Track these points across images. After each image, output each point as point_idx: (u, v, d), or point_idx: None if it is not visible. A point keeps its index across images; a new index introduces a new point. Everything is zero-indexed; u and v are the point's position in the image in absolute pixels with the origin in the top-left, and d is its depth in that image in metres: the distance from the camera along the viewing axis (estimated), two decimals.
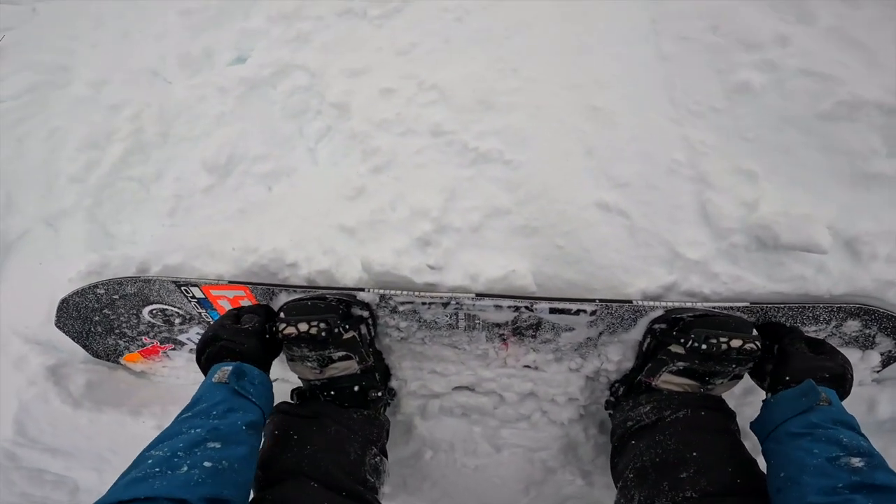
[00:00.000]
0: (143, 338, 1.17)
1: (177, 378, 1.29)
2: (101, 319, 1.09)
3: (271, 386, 0.74)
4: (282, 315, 0.83)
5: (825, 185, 0.87)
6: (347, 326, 0.83)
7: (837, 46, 0.97)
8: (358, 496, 0.72)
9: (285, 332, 0.80)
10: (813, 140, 0.90)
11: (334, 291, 0.88)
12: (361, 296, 0.87)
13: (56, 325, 1.10)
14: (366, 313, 0.88)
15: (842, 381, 0.68)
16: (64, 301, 1.04)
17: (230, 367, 0.68)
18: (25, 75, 1.29)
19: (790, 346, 0.73)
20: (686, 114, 0.97)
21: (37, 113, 1.25)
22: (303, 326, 0.78)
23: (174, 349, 1.21)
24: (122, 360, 1.25)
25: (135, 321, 1.11)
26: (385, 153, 0.99)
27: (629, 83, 1.00)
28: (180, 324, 1.10)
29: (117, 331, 1.14)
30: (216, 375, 0.67)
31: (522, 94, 0.97)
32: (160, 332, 1.14)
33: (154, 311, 1.08)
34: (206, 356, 0.73)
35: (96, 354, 1.21)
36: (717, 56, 0.99)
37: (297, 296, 0.90)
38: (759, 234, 0.82)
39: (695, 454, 0.69)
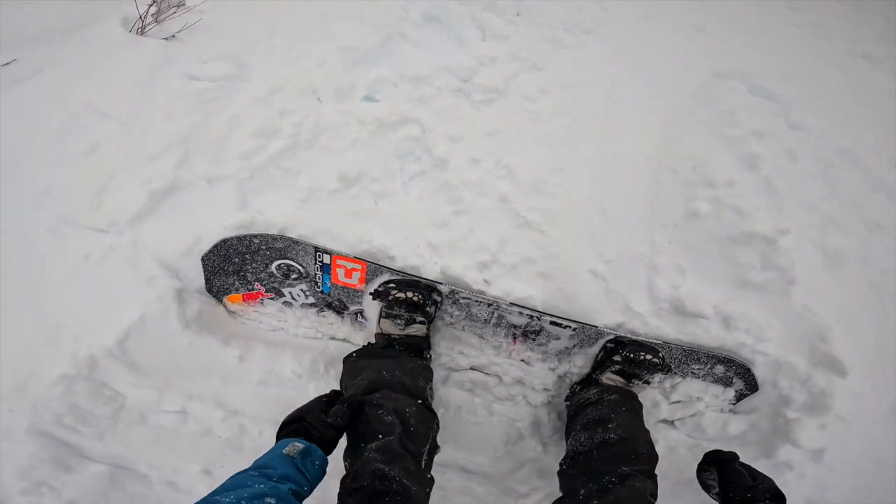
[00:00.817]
0: (256, 283, 1.82)
1: (258, 323, 1.90)
2: (238, 262, 1.74)
3: (327, 465, 0.98)
4: (393, 284, 1.55)
5: (721, 281, 1.70)
6: (430, 303, 1.57)
7: (762, 191, 1.84)
8: (429, 406, 1.38)
9: (396, 295, 1.51)
10: (722, 252, 1.74)
11: (423, 279, 1.62)
12: (440, 287, 1.61)
13: (203, 257, 1.73)
14: (439, 298, 1.62)
15: (782, 497, 1.09)
16: (224, 241, 1.67)
17: (301, 446, 0.90)
18: (219, 64, 1.97)
19: (733, 471, 1.18)
20: (658, 224, 1.81)
21: (223, 97, 1.91)
22: (409, 294, 1.51)
23: (272, 298, 1.85)
24: (224, 299, 1.86)
25: (261, 269, 1.77)
26: (466, 203, 1.77)
27: (629, 196, 1.84)
28: (294, 279, 1.77)
29: (240, 273, 1.77)
30: (287, 448, 0.89)
31: (562, 188, 1.79)
32: (272, 282, 1.80)
33: (281, 265, 1.75)
34: (288, 430, 1.00)
35: (210, 289, 1.82)
36: (687, 188, 1.85)
37: (397, 277, 1.62)
38: (676, 304, 1.64)
39: (617, 417, 1.44)
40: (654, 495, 1.23)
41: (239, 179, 1.84)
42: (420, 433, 1.20)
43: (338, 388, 1.54)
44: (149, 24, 2.13)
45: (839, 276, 1.75)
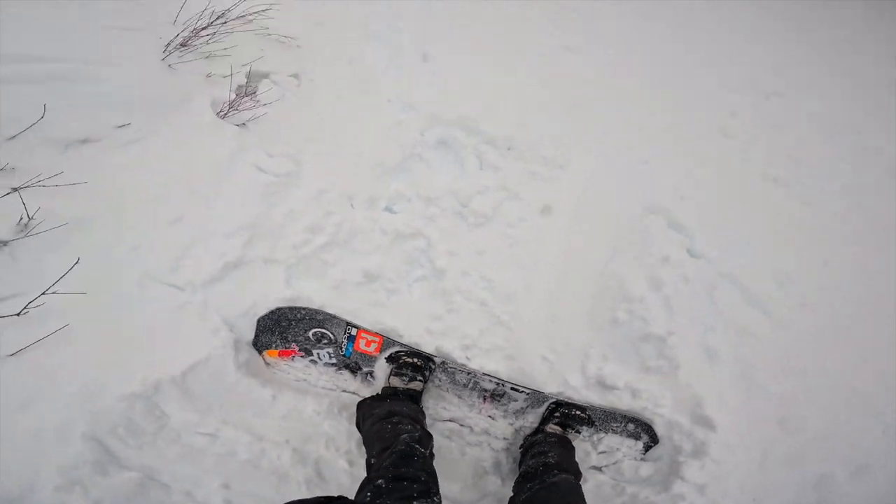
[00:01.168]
0: (293, 343, 2.57)
1: (287, 374, 2.60)
2: (284, 325, 2.50)
3: None
4: (403, 352, 2.35)
5: (631, 365, 2.57)
6: (427, 369, 2.38)
7: (661, 306, 2.78)
8: (429, 434, 2.14)
9: (405, 359, 2.31)
10: (632, 346, 2.61)
11: (424, 352, 2.44)
12: (436, 358, 2.43)
13: (259, 318, 2.45)
14: (433, 366, 2.44)
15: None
16: (279, 308, 2.43)
17: None
18: (282, 161, 2.78)
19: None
20: (592, 326, 2.71)
21: (283, 192, 2.69)
22: (414, 359, 2.32)
23: (301, 356, 2.56)
24: (264, 353, 2.55)
25: (300, 333, 2.51)
26: (456, 305, 2.61)
27: (573, 306, 2.74)
28: (325, 343, 2.53)
29: (283, 334, 2.51)
30: None
31: (527, 299, 2.68)
32: (306, 344, 2.55)
33: (316, 332, 2.51)
34: None
35: (255, 344, 2.50)
36: (614, 301, 2.76)
37: (406, 349, 2.43)
38: (600, 380, 2.49)
39: (555, 450, 2.21)
40: (580, 488, 1.95)
41: (288, 264, 2.59)
42: (426, 440, 1.85)
43: (353, 428, 2.28)
44: (227, 111, 2.88)
45: (714, 366, 2.67)
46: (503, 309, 2.67)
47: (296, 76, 3.32)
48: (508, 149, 3.28)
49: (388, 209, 2.89)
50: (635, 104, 3.97)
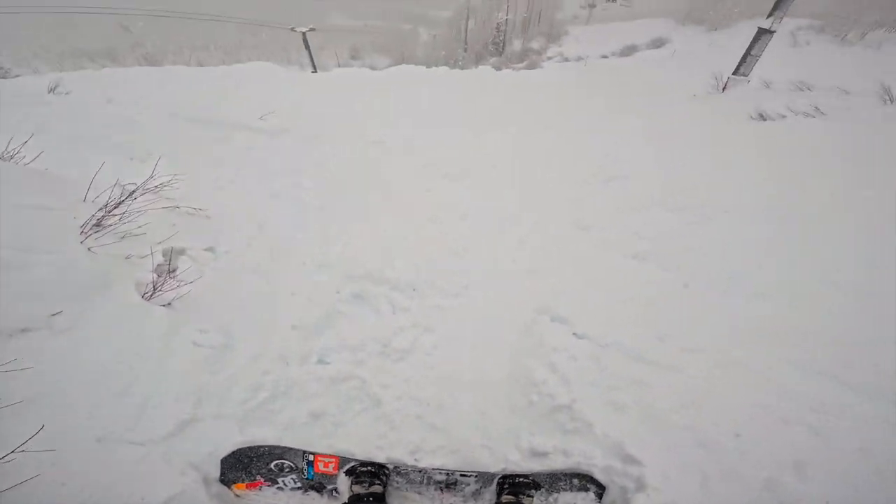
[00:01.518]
0: (257, 476, 2.87)
1: (258, 503, 2.92)
2: (246, 461, 2.86)
3: None
4: (358, 464, 2.82)
5: (553, 433, 3.28)
6: (382, 474, 2.79)
7: (560, 383, 3.59)
8: None
9: (361, 469, 2.81)
10: (550, 418, 3.37)
11: (376, 462, 2.89)
12: (388, 466, 2.88)
13: (222, 459, 2.84)
14: (388, 472, 2.89)
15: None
16: (239, 449, 2.86)
17: None
18: (215, 335, 3.47)
19: None
20: (514, 412, 3.46)
21: (221, 360, 3.36)
22: (369, 468, 2.83)
23: (268, 486, 2.94)
24: (233, 487, 2.91)
25: (262, 466, 2.91)
26: (396, 424, 3.30)
27: (495, 399, 3.54)
28: (287, 471, 2.90)
29: (247, 469, 2.90)
30: None
31: (454, 408, 3.50)
32: (269, 475, 2.88)
33: (278, 463, 2.90)
34: None
35: (222, 479, 2.88)
36: (525, 388, 3.60)
37: (360, 460, 2.86)
38: (533, 451, 3.17)
39: None
40: None
41: (237, 417, 3.18)
42: None
43: None
44: (153, 292, 3.46)
45: (622, 415, 3.45)
46: (437, 417, 3.38)
47: (211, 250, 4.17)
48: (413, 290, 4.34)
49: (321, 361, 3.66)
50: (504, 227, 5.49)
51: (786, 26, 30.95)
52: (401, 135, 7.80)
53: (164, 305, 3.45)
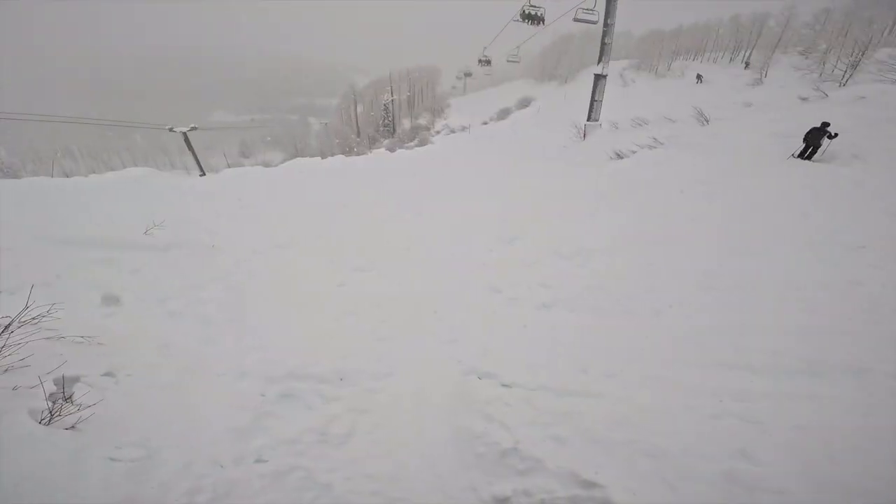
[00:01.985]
0: None
1: None
2: None
3: None
4: None
5: (514, 476, 3.29)
6: None
7: (499, 429, 3.66)
8: None
9: None
10: (505, 464, 3.42)
11: None
12: None
13: None
14: None
15: None
16: None
17: None
18: (133, 449, 3.20)
19: None
20: (466, 465, 3.50)
21: (145, 471, 3.07)
22: None
23: None
24: None
25: None
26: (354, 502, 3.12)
27: (444, 458, 3.52)
28: None
29: None
30: None
31: (409, 472, 3.47)
32: None
33: None
34: None
35: None
36: (469, 442, 3.61)
37: None
38: (497, 498, 3.18)
39: None
40: None
41: None
42: None
43: None
44: (50, 418, 3.18)
45: (564, 446, 3.72)
46: (394, 489, 3.39)
47: (110, 374, 3.93)
48: (341, 379, 4.40)
49: (259, 460, 3.51)
50: (421, 305, 5.72)
51: (614, 69, 37.45)
52: (305, 232, 7.95)
53: (67, 429, 3.21)
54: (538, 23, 16.97)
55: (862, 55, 26.79)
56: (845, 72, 27.02)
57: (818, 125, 9.51)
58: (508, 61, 23.86)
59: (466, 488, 3.39)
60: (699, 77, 38.27)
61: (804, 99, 16.44)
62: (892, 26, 39.54)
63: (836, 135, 9.32)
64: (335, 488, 3.33)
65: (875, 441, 3.34)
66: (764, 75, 33.41)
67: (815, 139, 9.43)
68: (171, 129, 19.19)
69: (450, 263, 6.88)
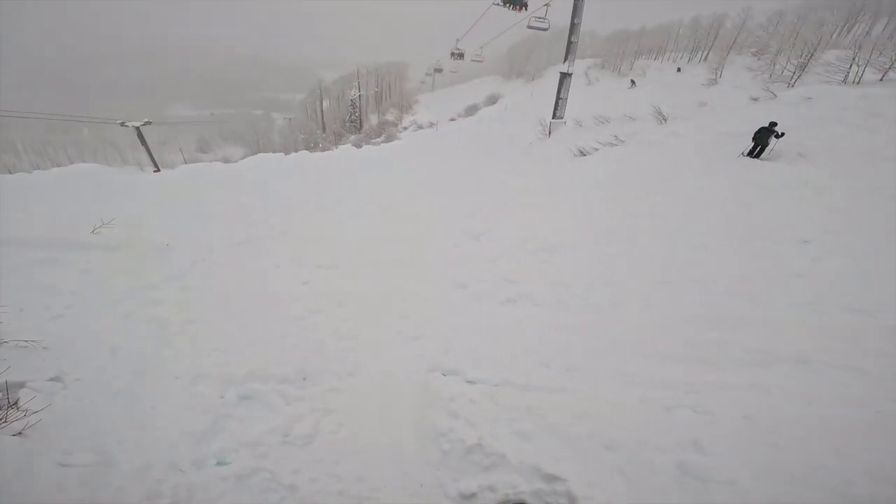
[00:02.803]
0: None
1: None
2: None
3: None
4: None
5: (478, 472, 3.33)
6: None
7: (463, 424, 3.71)
8: None
9: None
10: (470, 461, 3.47)
11: None
12: None
13: None
14: None
15: None
16: None
17: None
18: (86, 454, 3.07)
19: None
20: (431, 463, 3.48)
21: (99, 477, 2.95)
22: None
23: None
24: None
25: None
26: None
27: (409, 455, 3.55)
28: None
29: None
30: None
31: (375, 470, 3.47)
32: None
33: None
34: None
35: None
36: (435, 440, 3.62)
37: None
38: (463, 494, 3.24)
39: None
40: None
41: None
42: None
43: None
44: None
45: (528, 441, 3.76)
46: (359, 488, 3.38)
47: (57, 379, 3.79)
48: (304, 379, 4.34)
49: (220, 463, 3.44)
50: (387, 301, 5.71)
51: (579, 67, 38.36)
52: (265, 230, 7.81)
53: (14, 435, 3.09)
54: (521, 7, 16.46)
55: (811, 57, 27.88)
56: (794, 73, 28.11)
57: (766, 125, 9.96)
58: (472, 61, 23.80)
59: (433, 485, 3.42)
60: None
61: (755, 99, 17.08)
62: (841, 28, 42.08)
63: (783, 134, 9.77)
64: (300, 489, 3.30)
65: (818, 430, 3.50)
66: (719, 76, 34.78)
67: (763, 138, 9.88)
68: (122, 124, 18.31)
69: (415, 259, 6.92)
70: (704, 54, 45.90)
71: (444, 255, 7.02)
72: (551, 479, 3.40)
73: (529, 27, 15.58)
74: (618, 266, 6.26)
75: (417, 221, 8.39)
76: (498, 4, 16.55)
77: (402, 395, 4.29)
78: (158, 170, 16.54)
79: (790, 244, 6.36)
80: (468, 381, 4.40)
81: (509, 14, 16.64)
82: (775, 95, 15.83)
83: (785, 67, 29.92)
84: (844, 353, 4.23)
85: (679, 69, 41.41)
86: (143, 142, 18.74)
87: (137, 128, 18.40)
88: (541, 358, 4.68)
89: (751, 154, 10.10)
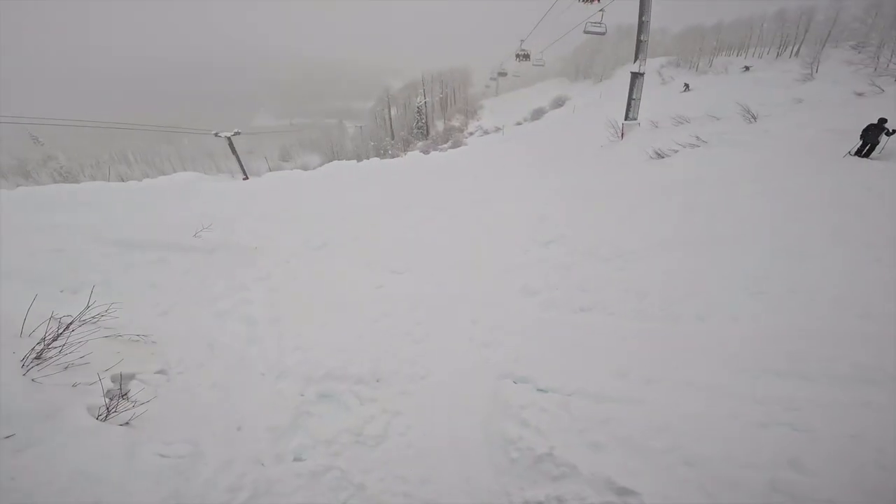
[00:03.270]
0: None
1: None
2: None
3: None
4: None
5: (546, 482, 3.23)
6: None
7: (534, 434, 3.64)
8: None
9: None
10: (538, 470, 3.36)
11: None
12: None
13: None
14: None
15: None
16: None
17: None
18: (181, 446, 3.38)
19: None
20: (499, 471, 3.47)
21: (191, 468, 3.26)
22: None
23: None
24: None
25: None
26: (386, 502, 3.18)
27: (477, 463, 3.52)
28: None
29: None
30: None
31: (440, 474, 3.52)
32: None
33: None
34: None
35: None
36: (504, 445, 3.60)
37: None
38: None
39: None
40: None
41: None
42: None
43: None
44: (107, 414, 3.38)
45: (601, 452, 3.65)
46: (425, 491, 3.48)
47: (163, 372, 4.15)
48: (377, 381, 4.51)
49: (297, 459, 3.66)
50: (456, 307, 5.73)
51: (651, 66, 36.29)
52: (340, 235, 8.13)
53: (121, 425, 3.40)
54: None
55: None
56: None
57: (875, 121, 8.86)
58: (534, 65, 22.90)
59: (499, 493, 3.43)
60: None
61: (860, 94, 15.33)
62: None
63: (894, 131, 8.67)
64: (368, 488, 3.45)
65: None
66: (815, 70, 31.59)
67: (873, 136, 8.79)
68: (216, 134, 20.02)
69: (485, 265, 6.91)
70: (795, 48, 41.83)
71: (514, 261, 6.93)
72: (624, 492, 3.28)
73: (586, 32, 15.02)
74: (702, 275, 5.80)
75: (486, 227, 8.35)
76: None
77: (471, 400, 4.32)
78: (247, 177, 17.88)
79: None
80: (539, 390, 4.33)
81: (573, 11, 15.91)
82: (883, 90, 14.18)
83: (890, 61, 26.59)
84: None
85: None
86: (234, 151, 20.39)
87: (229, 138, 20.09)
88: (617, 368, 4.49)
89: (859, 153, 8.96)
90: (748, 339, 4.58)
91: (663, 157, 10.94)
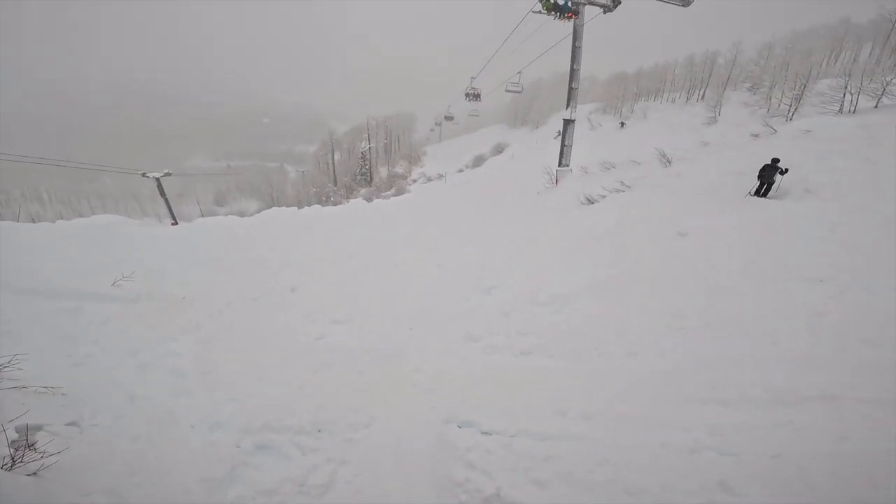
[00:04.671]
0: None
1: None
2: None
3: None
4: None
5: None
6: None
7: (481, 475, 3.65)
8: None
9: None
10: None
11: None
12: None
13: None
14: None
15: None
16: None
17: None
18: (103, 496, 3.10)
19: None
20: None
21: None
22: None
23: None
24: None
25: None
26: None
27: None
28: None
29: None
30: None
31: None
32: None
33: None
34: None
35: None
36: (454, 490, 3.56)
37: None
38: None
39: None
40: None
41: None
42: None
43: None
44: (12, 464, 3.11)
45: (545, 489, 3.69)
46: None
47: (75, 424, 3.88)
48: (319, 431, 4.41)
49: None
50: (401, 355, 5.73)
51: (582, 112, 39.57)
52: (279, 284, 7.99)
53: (29, 475, 3.16)
54: (571, 15, 14.03)
55: (804, 88, 28.05)
56: (790, 105, 28.31)
57: (769, 161, 9.93)
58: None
59: None
60: (622, 123, 40.69)
61: (755, 136, 17.07)
62: (829, 57, 42.87)
63: (786, 170, 9.74)
64: None
65: (851, 466, 3.44)
66: (718, 113, 35.09)
67: (768, 176, 9.84)
68: (144, 175, 18.98)
69: (427, 314, 7.00)
70: (701, 92, 46.24)
71: (456, 309, 7.08)
72: None
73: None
74: (631, 314, 6.27)
75: (429, 275, 8.51)
76: (540, 13, 14.22)
77: (417, 445, 4.30)
78: (176, 223, 17.00)
79: (806, 283, 6.30)
80: (484, 433, 4.40)
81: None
82: (775, 130, 15.81)
83: (780, 101, 30.07)
84: (874, 388, 4.15)
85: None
86: (163, 193, 19.34)
87: (158, 179, 19.05)
88: (557, 408, 4.66)
89: (757, 193, 10.05)
90: (673, 372, 4.94)
91: (593, 203, 11.80)
